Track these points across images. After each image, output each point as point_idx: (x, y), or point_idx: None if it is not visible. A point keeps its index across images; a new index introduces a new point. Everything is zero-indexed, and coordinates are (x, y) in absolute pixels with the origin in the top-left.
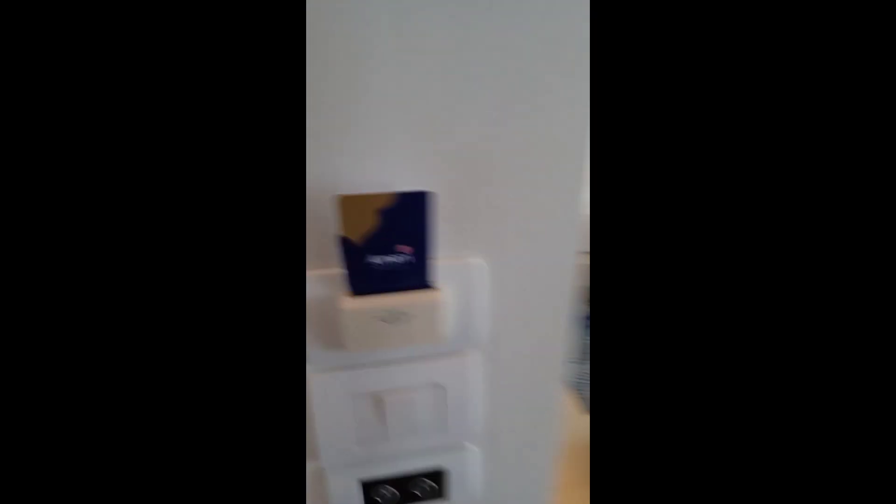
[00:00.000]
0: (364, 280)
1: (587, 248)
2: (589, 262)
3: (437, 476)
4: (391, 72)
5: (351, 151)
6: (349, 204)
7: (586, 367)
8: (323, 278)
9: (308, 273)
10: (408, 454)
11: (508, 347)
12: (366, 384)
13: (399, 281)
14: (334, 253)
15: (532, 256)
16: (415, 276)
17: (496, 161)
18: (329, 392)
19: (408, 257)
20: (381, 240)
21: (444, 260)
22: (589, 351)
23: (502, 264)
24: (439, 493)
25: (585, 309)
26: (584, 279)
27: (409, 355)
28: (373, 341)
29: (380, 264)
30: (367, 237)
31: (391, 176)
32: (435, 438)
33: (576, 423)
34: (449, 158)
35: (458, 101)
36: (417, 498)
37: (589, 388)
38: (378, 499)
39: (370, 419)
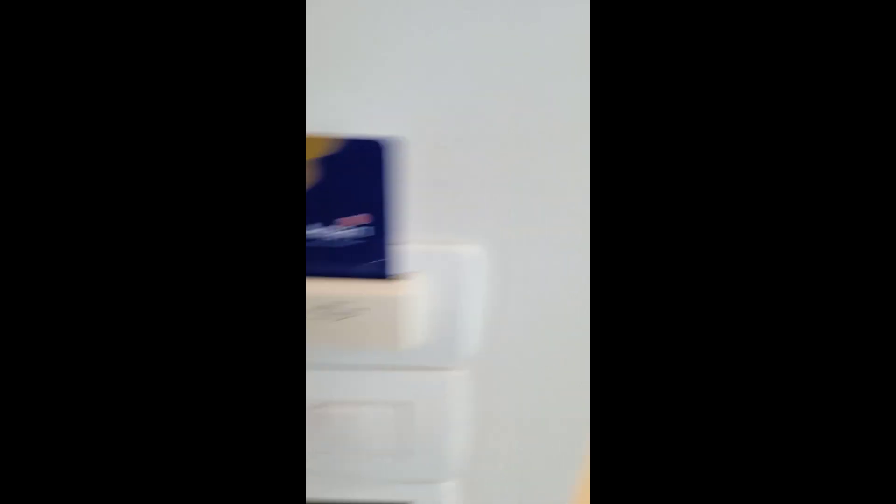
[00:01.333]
0: None
1: None
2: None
3: None
4: None
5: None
6: None
7: None
8: None
9: None
10: (362, 481)
11: (506, 365)
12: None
13: (348, 264)
14: None
15: (549, 247)
16: (371, 259)
17: (504, 109)
18: None
19: (363, 230)
20: (322, 202)
21: (424, 244)
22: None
23: (506, 255)
24: None
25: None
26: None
27: (371, 361)
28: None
29: (327, 238)
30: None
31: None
32: (397, 468)
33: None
34: (445, 103)
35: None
36: None
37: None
38: None
39: (311, 431)
